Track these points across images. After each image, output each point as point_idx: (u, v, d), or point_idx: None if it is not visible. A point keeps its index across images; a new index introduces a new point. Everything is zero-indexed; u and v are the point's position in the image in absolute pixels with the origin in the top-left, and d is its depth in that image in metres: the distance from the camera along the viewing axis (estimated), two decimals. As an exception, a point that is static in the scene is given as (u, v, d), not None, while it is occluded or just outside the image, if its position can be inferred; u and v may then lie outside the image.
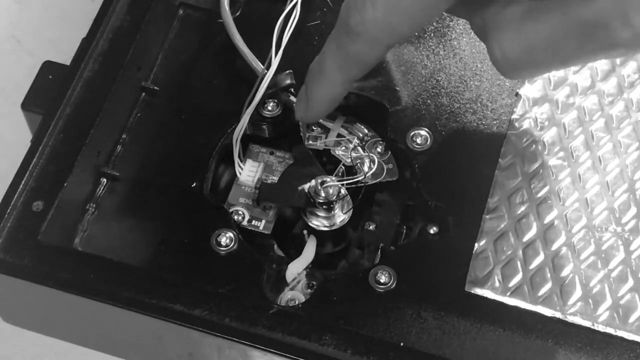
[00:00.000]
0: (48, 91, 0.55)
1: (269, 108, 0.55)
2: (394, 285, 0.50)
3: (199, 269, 0.51)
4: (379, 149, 0.55)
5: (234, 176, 0.55)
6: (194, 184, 0.53)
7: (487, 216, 0.52)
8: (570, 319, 0.50)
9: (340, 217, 0.52)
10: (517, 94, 0.56)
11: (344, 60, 0.47)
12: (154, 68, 0.57)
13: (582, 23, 0.40)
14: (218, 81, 0.57)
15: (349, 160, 0.54)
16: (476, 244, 0.51)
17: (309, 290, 0.52)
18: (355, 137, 0.55)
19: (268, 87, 0.54)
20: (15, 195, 0.51)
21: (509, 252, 0.51)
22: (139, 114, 0.56)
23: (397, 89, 0.56)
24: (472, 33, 0.48)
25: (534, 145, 0.55)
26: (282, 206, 0.53)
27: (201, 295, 0.50)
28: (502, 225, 0.52)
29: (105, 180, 0.54)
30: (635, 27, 0.39)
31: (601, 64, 0.57)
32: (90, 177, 0.53)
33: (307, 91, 0.49)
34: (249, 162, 0.55)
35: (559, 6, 0.40)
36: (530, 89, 0.56)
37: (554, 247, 0.52)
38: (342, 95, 0.50)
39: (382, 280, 0.50)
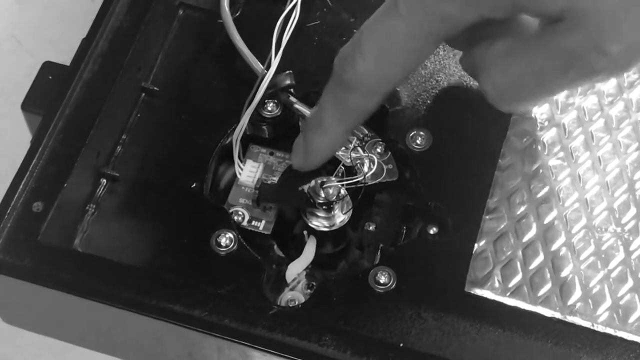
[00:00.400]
0: (48, 92, 0.55)
1: (269, 108, 0.55)
2: (393, 285, 0.50)
3: (199, 270, 0.51)
4: (378, 150, 0.55)
5: (234, 177, 0.55)
6: (194, 185, 0.53)
7: (487, 216, 0.52)
8: (570, 319, 0.50)
9: (340, 217, 0.52)
10: (517, 94, 0.56)
11: (342, 112, 0.48)
12: (154, 68, 0.57)
13: (561, 56, 0.41)
14: (218, 81, 0.57)
15: (348, 160, 0.54)
16: (476, 245, 0.52)
17: (309, 290, 0.52)
18: (355, 138, 0.55)
19: (268, 88, 0.54)
20: (15, 196, 0.51)
21: (509, 253, 0.51)
22: (138, 115, 0.56)
23: (397, 89, 0.56)
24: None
25: (534, 145, 0.55)
26: (282, 207, 0.53)
27: (201, 296, 0.50)
28: (502, 226, 0.52)
29: (105, 180, 0.54)
30: (611, 56, 0.40)
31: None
32: (90, 178, 0.53)
33: (305, 142, 0.50)
34: (249, 162, 0.55)
35: (538, 41, 0.42)
36: (530, 89, 0.56)
37: (554, 247, 0.52)
38: (342, 144, 0.51)
39: (381, 281, 0.50)
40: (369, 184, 0.53)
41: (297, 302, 0.51)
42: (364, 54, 0.45)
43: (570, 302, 0.50)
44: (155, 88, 0.56)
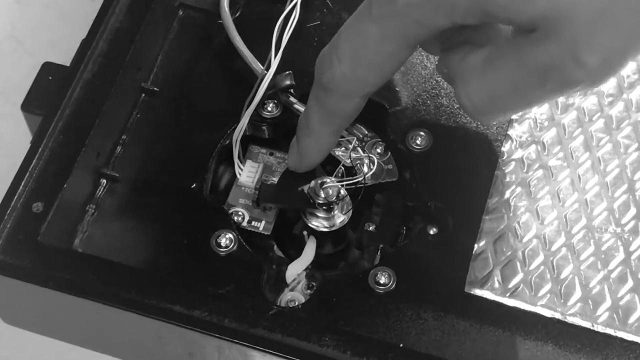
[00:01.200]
0: (48, 92, 0.55)
1: (269, 109, 0.55)
2: (393, 286, 0.51)
3: (199, 270, 0.51)
4: (378, 150, 0.55)
5: (233, 177, 0.55)
6: (194, 185, 0.53)
7: (487, 217, 0.52)
8: (570, 319, 0.50)
9: (340, 218, 0.52)
10: (516, 95, 0.56)
11: (325, 114, 0.48)
12: (154, 69, 0.57)
13: (537, 67, 0.41)
14: (218, 82, 0.57)
15: (348, 161, 0.54)
16: (476, 245, 0.52)
17: (309, 291, 0.52)
18: (355, 138, 0.55)
19: (268, 88, 0.54)
20: (15, 197, 0.51)
21: (509, 253, 0.51)
22: (138, 115, 0.56)
23: (397, 89, 0.56)
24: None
25: (533, 146, 0.55)
26: (282, 207, 0.53)
27: (201, 296, 0.50)
28: (502, 226, 0.52)
29: (105, 181, 0.54)
30: (587, 67, 0.39)
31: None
32: (90, 178, 0.53)
33: (297, 142, 0.50)
34: (249, 163, 0.55)
35: (514, 52, 0.41)
36: (530, 90, 0.56)
37: (554, 247, 0.52)
38: (332, 146, 0.50)
39: (381, 281, 0.50)
40: (369, 184, 0.53)
41: (297, 303, 0.51)
42: (339, 57, 0.45)
43: (570, 302, 0.50)
44: (155, 88, 0.56)
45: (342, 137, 0.55)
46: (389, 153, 0.55)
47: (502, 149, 0.54)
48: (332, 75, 0.46)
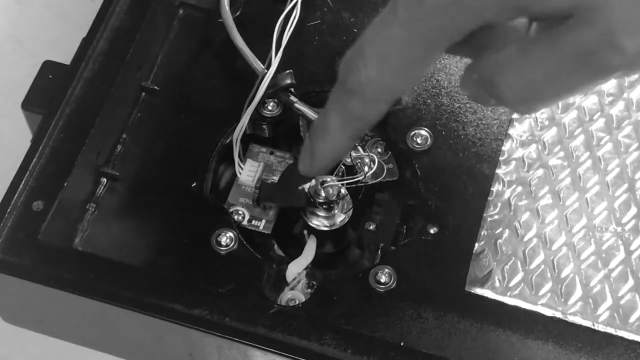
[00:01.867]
0: (48, 91, 0.55)
1: (269, 108, 0.55)
2: (394, 285, 0.50)
3: (199, 269, 0.51)
4: (379, 149, 0.55)
5: (234, 176, 0.55)
6: (194, 184, 0.53)
7: (487, 216, 0.52)
8: (571, 319, 0.50)
9: (341, 217, 0.52)
10: (517, 94, 0.56)
11: (346, 118, 0.47)
12: (154, 68, 0.57)
13: (574, 54, 0.40)
14: (218, 81, 0.57)
15: (349, 160, 0.54)
16: (476, 244, 0.52)
17: (309, 290, 0.52)
18: (356, 137, 0.55)
19: (268, 87, 0.54)
20: (16, 195, 0.51)
21: (509, 252, 0.51)
22: (139, 114, 0.56)
23: (397, 88, 0.56)
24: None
25: (534, 145, 0.55)
26: (282, 206, 0.53)
27: (201, 295, 0.50)
28: (502, 225, 0.52)
29: (105, 180, 0.54)
30: (626, 51, 0.39)
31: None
32: (90, 177, 0.53)
33: (311, 146, 0.49)
34: (249, 161, 0.55)
35: (548, 39, 0.41)
36: (531, 89, 0.56)
37: (554, 247, 0.52)
38: (348, 151, 0.50)
39: (382, 280, 0.50)
40: (370, 183, 0.53)
41: (297, 302, 0.51)
42: (365, 61, 0.44)
43: (570, 301, 0.50)
44: (155, 87, 0.56)
45: (343, 136, 0.55)
46: (390, 152, 0.55)
47: (503, 148, 0.54)
48: (357, 79, 0.45)
